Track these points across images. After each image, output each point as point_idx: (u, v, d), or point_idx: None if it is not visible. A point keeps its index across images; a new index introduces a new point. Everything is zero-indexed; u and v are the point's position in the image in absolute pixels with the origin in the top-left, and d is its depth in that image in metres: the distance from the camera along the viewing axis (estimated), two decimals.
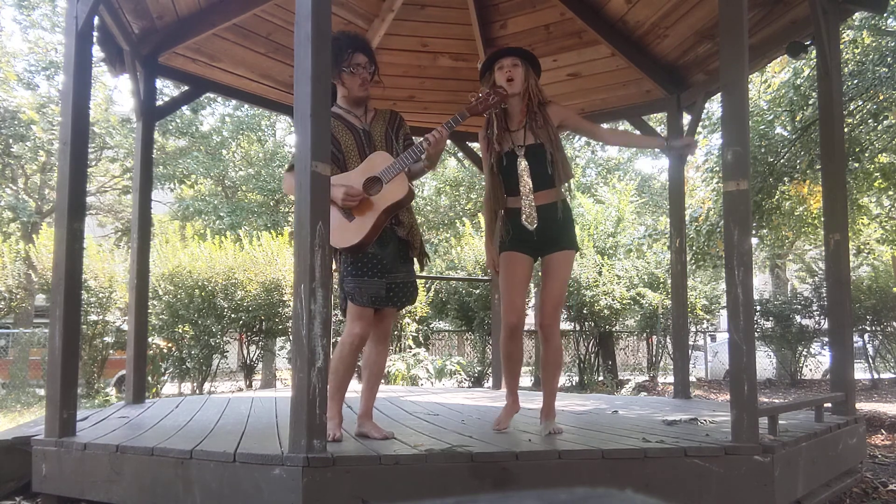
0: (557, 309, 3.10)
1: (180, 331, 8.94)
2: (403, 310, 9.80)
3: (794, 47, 4.24)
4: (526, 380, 14.16)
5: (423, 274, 11.56)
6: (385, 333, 3.01)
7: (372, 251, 2.84)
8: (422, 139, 2.85)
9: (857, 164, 7.22)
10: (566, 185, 3.12)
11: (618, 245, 12.75)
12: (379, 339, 2.99)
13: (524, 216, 3.06)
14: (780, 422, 2.92)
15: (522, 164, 3.07)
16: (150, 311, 7.97)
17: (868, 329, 11.72)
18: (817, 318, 11.51)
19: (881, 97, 6.72)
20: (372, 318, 2.88)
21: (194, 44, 4.84)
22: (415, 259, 3.04)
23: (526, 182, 3.06)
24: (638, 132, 3.02)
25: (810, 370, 12.48)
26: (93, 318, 9.34)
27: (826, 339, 10.13)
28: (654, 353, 11.87)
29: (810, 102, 7.23)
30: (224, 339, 9.39)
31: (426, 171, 3.02)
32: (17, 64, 15.48)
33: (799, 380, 12.05)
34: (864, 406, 7.65)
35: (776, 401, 7.61)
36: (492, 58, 3.20)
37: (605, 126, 3.19)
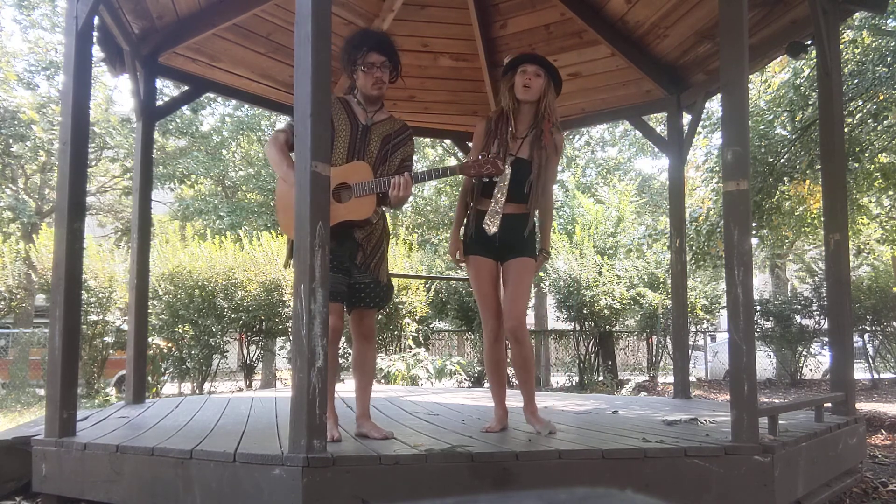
0: (523, 311, 3.10)
1: (180, 331, 8.94)
2: (402, 310, 9.90)
3: (794, 47, 4.24)
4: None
5: (423, 274, 11.58)
6: (368, 333, 2.99)
7: (331, 247, 2.83)
8: (406, 174, 2.80)
9: (857, 164, 7.21)
10: (536, 212, 3.14)
11: (618, 245, 12.77)
12: (363, 338, 2.98)
13: (486, 219, 3.06)
14: (780, 422, 2.92)
15: (505, 172, 3.03)
16: (150, 311, 7.97)
17: (868, 329, 11.73)
18: (817, 318, 11.51)
19: (881, 97, 6.72)
20: (341, 311, 2.88)
21: (194, 44, 4.84)
22: (377, 264, 2.97)
23: (502, 190, 3.05)
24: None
25: (810, 370, 12.49)
26: (93, 318, 9.34)
27: (826, 339, 10.14)
28: (654, 353, 11.88)
29: (810, 102, 7.23)
30: (224, 339, 9.39)
31: (392, 207, 2.96)
32: (17, 64, 15.48)
33: (799, 380, 12.05)
34: (864, 406, 7.65)
35: (776, 401, 7.61)
36: (517, 60, 3.15)
37: (550, 199, 3.20)
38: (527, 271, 3.10)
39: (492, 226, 3.04)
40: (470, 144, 6.56)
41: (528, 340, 3.13)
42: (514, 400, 3.35)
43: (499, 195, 3.06)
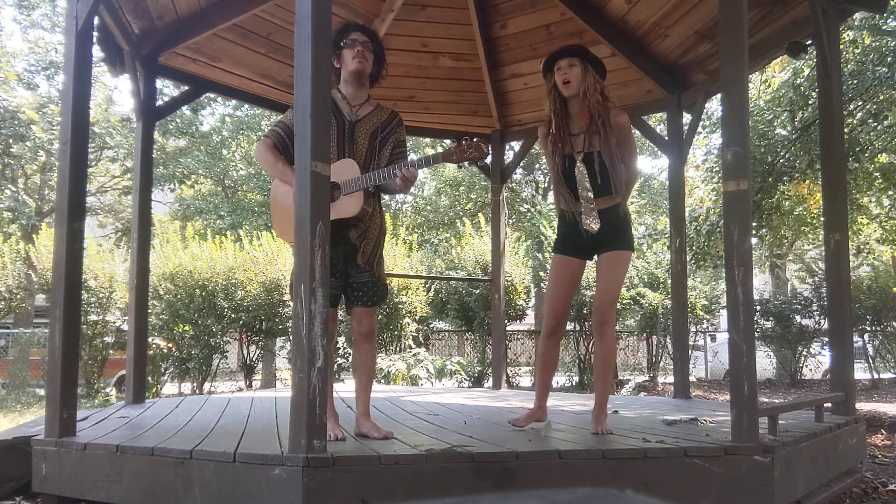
0: (608, 307, 3.06)
1: (180, 331, 8.95)
2: (402, 310, 9.90)
3: (794, 47, 4.24)
4: (526, 380, 14.17)
5: (423, 274, 11.58)
6: (367, 333, 2.97)
7: None
8: (395, 167, 2.79)
9: (857, 164, 7.21)
10: (626, 190, 3.12)
11: None
12: (363, 338, 2.96)
13: (584, 221, 3.08)
14: (780, 422, 2.92)
15: (580, 171, 3.06)
16: (150, 311, 7.97)
17: (868, 329, 11.73)
18: (817, 318, 11.52)
19: (881, 97, 6.72)
20: (334, 314, 2.89)
21: (194, 44, 4.84)
22: (378, 263, 2.97)
23: (585, 188, 3.06)
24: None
25: (810, 370, 12.49)
26: (93, 318, 9.35)
27: (826, 339, 10.14)
28: (654, 353, 11.88)
29: (810, 102, 7.23)
30: (224, 339, 9.40)
31: (399, 192, 2.99)
32: (17, 64, 15.49)
33: (799, 380, 12.05)
34: (864, 406, 7.65)
35: (776, 401, 7.61)
36: (550, 59, 3.14)
37: (630, 174, 3.14)
38: (619, 263, 3.08)
39: (593, 225, 3.07)
40: None
41: (610, 337, 3.09)
42: (526, 401, 3.34)
43: (588, 195, 3.06)
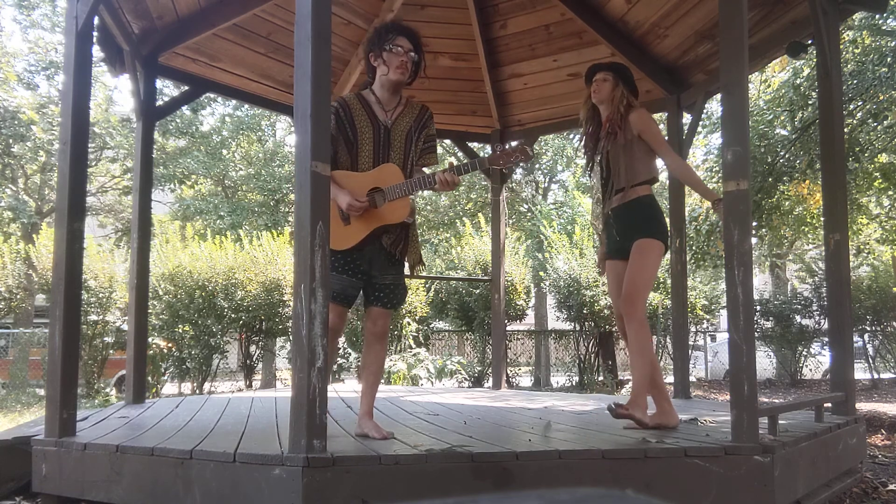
0: (629, 299, 3.11)
1: (180, 331, 8.94)
2: (402, 310, 9.89)
3: (794, 47, 4.24)
4: (526, 380, 14.18)
5: (423, 274, 11.57)
6: (380, 334, 2.98)
7: (351, 253, 2.84)
8: (437, 173, 2.81)
9: (857, 164, 7.21)
10: (642, 183, 3.22)
11: None
12: (375, 339, 2.97)
13: (610, 220, 3.31)
14: (780, 422, 2.92)
15: (597, 171, 3.38)
16: (150, 311, 7.97)
17: (868, 329, 11.73)
18: (817, 318, 11.52)
19: (881, 97, 6.72)
20: (342, 312, 2.89)
21: (194, 44, 4.84)
22: (405, 262, 3.02)
23: (599, 186, 3.31)
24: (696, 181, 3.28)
25: (810, 370, 12.49)
26: (93, 318, 9.35)
27: (826, 339, 10.13)
28: (654, 352, 11.85)
29: (810, 102, 7.23)
30: (224, 339, 9.40)
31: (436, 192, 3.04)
32: (17, 64, 15.49)
33: (799, 380, 12.05)
34: (864, 406, 7.65)
35: (776, 401, 7.61)
36: (589, 73, 3.41)
37: (676, 160, 3.31)
38: (639, 253, 3.13)
39: (602, 221, 3.34)
40: (470, 144, 6.63)
41: (636, 327, 3.10)
42: (524, 400, 3.34)
43: (599, 194, 3.35)
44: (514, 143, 2.87)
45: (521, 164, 3.29)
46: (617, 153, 3.23)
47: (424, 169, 3.03)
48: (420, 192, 3.10)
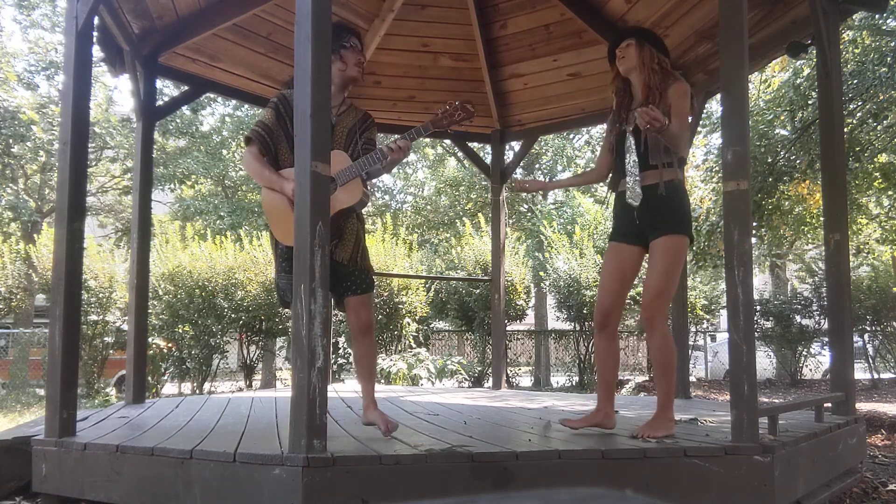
0: (655, 301, 2.87)
1: (180, 331, 8.95)
2: (402, 310, 9.89)
3: (794, 47, 4.24)
4: (526, 380, 14.18)
5: (423, 274, 11.57)
6: (365, 326, 2.94)
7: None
8: (384, 146, 2.81)
9: (857, 164, 7.21)
10: (674, 166, 2.95)
11: None
12: (361, 332, 2.95)
13: (628, 193, 2.96)
14: (780, 422, 2.92)
15: (629, 143, 2.97)
16: (150, 311, 7.97)
17: (868, 329, 11.73)
18: (817, 318, 11.51)
19: (881, 97, 6.72)
20: None
21: (194, 44, 4.83)
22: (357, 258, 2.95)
23: (632, 160, 2.95)
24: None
25: (810, 370, 12.49)
26: (93, 318, 9.36)
27: (826, 339, 10.13)
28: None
29: (810, 102, 7.23)
30: (224, 339, 9.40)
31: (383, 173, 3.00)
32: (17, 64, 15.49)
33: (799, 380, 12.06)
34: (864, 406, 7.65)
35: (776, 401, 7.61)
36: (611, 49, 3.16)
37: (677, 142, 2.93)
38: (667, 252, 2.89)
39: (635, 198, 2.93)
40: (470, 144, 6.63)
41: (659, 334, 2.89)
42: (525, 401, 3.33)
43: (633, 168, 2.94)
44: (456, 102, 2.81)
45: (465, 122, 3.08)
46: (645, 131, 2.86)
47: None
48: (375, 176, 3.05)
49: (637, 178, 2.94)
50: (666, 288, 2.91)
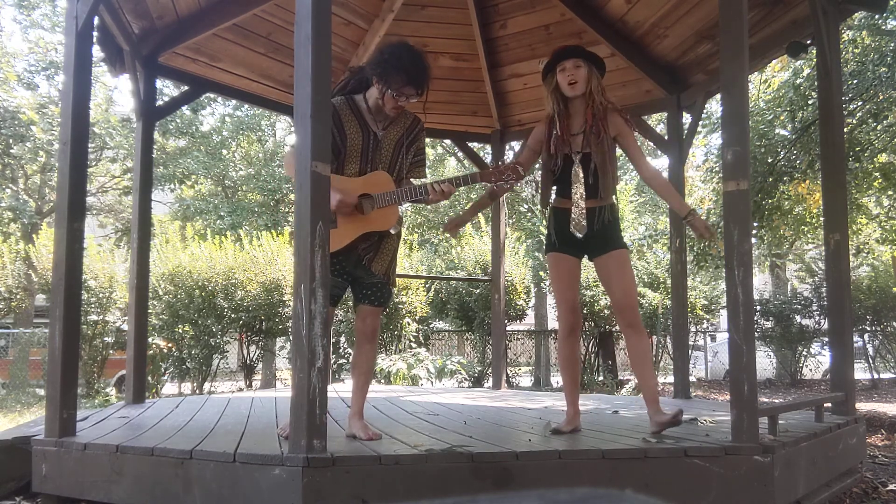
0: (632, 309, 3.04)
1: (180, 331, 8.94)
2: (402, 310, 9.89)
3: (794, 47, 4.24)
4: (526, 380, 14.17)
5: (423, 274, 11.58)
6: (370, 333, 2.97)
7: (340, 254, 2.82)
8: (430, 185, 2.80)
9: (857, 164, 7.21)
10: (612, 191, 3.10)
11: None
12: (365, 339, 2.97)
13: (573, 223, 3.04)
14: (780, 422, 2.92)
15: (576, 172, 3.03)
16: (150, 311, 7.97)
17: (868, 329, 11.73)
18: (817, 318, 11.52)
19: (881, 97, 6.71)
20: (332, 313, 2.90)
21: (194, 44, 4.84)
22: (390, 269, 2.99)
23: (578, 189, 3.02)
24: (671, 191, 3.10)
25: (810, 370, 12.50)
26: (93, 318, 9.35)
27: (826, 339, 10.14)
28: (654, 353, 11.88)
29: (810, 102, 7.23)
30: (224, 339, 9.40)
31: (426, 204, 3.00)
32: (17, 64, 15.49)
33: (799, 380, 12.06)
34: (864, 406, 7.66)
35: (776, 401, 7.61)
36: (554, 59, 3.10)
37: (650, 167, 3.14)
38: (625, 262, 3.06)
39: (580, 228, 3.03)
40: (470, 144, 6.62)
41: (643, 335, 3.08)
42: (525, 401, 3.33)
43: (579, 197, 3.02)
44: (510, 161, 2.86)
45: (511, 183, 3.12)
46: (602, 154, 3.01)
47: (413, 181, 3.02)
48: (408, 203, 3.08)
49: (583, 210, 3.04)
50: (635, 292, 3.10)
